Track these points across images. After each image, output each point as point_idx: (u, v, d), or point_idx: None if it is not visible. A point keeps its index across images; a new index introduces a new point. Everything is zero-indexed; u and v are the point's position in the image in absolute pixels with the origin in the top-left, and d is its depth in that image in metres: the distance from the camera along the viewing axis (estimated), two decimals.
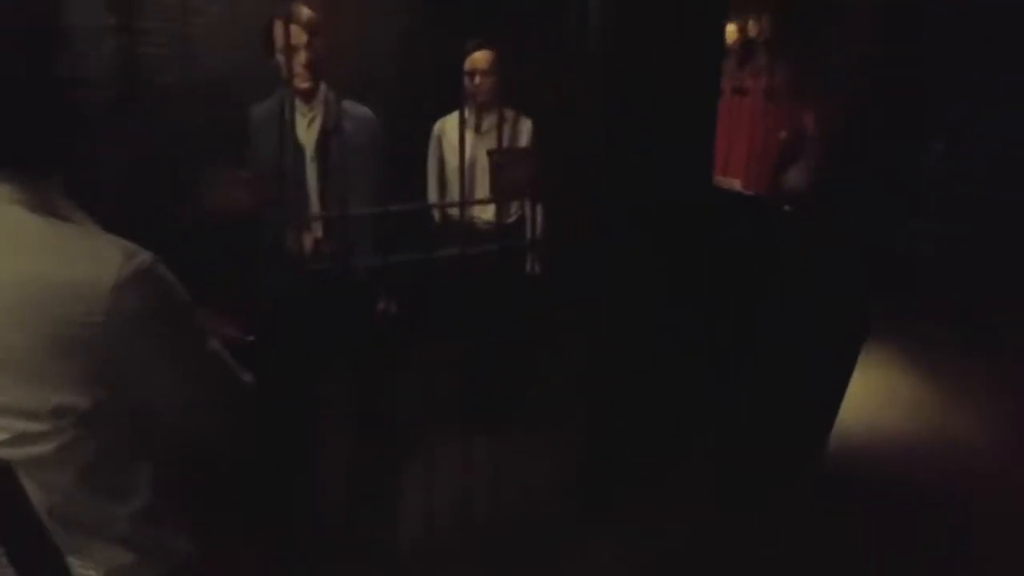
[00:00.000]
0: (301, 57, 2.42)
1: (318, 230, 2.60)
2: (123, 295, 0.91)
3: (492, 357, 3.24)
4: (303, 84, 2.47)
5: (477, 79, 3.08)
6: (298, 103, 2.53)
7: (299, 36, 2.38)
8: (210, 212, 1.99)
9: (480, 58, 3.06)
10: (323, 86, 2.57)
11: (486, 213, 3.19)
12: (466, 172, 2.62)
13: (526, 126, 3.16)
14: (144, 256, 0.95)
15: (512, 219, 3.21)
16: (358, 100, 2.66)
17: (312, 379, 2.64)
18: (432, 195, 3.26)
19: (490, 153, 2.39)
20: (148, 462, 1.07)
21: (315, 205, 2.57)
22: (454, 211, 3.07)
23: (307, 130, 2.54)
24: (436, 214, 3.26)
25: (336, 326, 2.61)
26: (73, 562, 1.03)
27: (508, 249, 2.89)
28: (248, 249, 2.29)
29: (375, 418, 2.88)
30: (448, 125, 3.22)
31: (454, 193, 3.17)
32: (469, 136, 3.17)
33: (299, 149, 2.53)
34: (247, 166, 2.52)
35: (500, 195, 2.40)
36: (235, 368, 1.13)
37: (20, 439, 0.94)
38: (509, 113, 3.19)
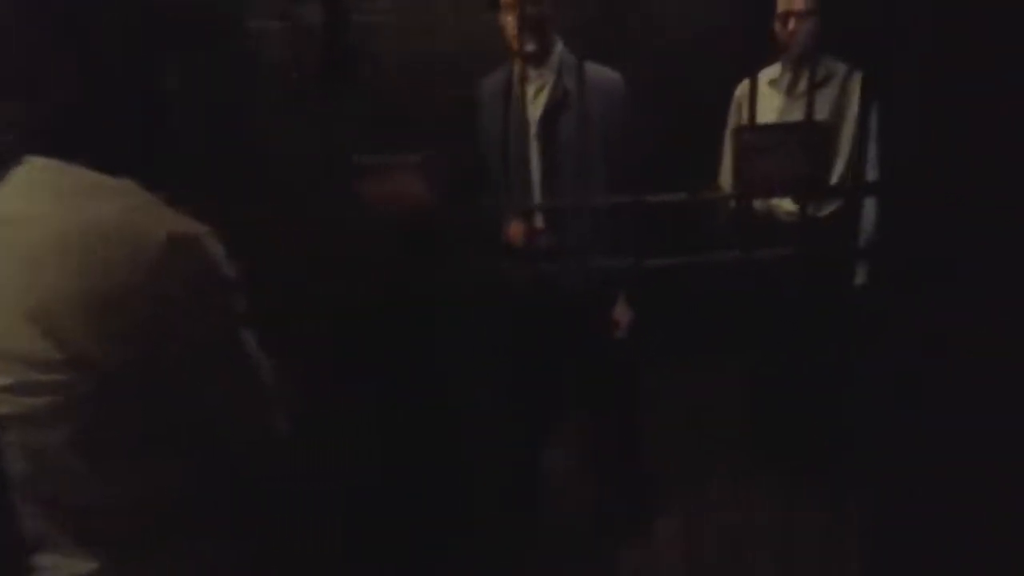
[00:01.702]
0: (524, 13, 1.99)
1: (540, 220, 2.18)
2: (173, 255, 0.88)
3: (783, 388, 2.49)
4: (528, 47, 2.05)
5: (792, 23, 2.31)
6: (527, 71, 2.11)
7: None
8: (369, 207, 1.71)
9: None
10: (559, 48, 2.11)
11: (787, 202, 2.42)
12: None
13: (857, 86, 2.29)
14: (198, 226, 0.92)
15: (826, 212, 2.38)
16: (613, 62, 2.14)
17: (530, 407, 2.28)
18: (727, 178, 2.58)
19: (737, 131, 1.70)
20: (152, 459, 0.94)
21: (537, 192, 2.15)
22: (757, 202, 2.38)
23: (533, 102, 2.12)
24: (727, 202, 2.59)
25: (554, 340, 2.19)
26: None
27: (819, 252, 2.12)
28: (448, 245, 1.98)
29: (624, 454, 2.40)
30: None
31: None
32: (778, 100, 2.43)
33: (524, 125, 2.12)
34: (475, 148, 2.20)
35: (744, 188, 1.70)
36: (269, 373, 0.99)
37: (20, 387, 0.88)
38: (836, 68, 2.35)
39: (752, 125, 1.76)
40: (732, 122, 2.57)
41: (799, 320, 2.32)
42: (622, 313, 2.25)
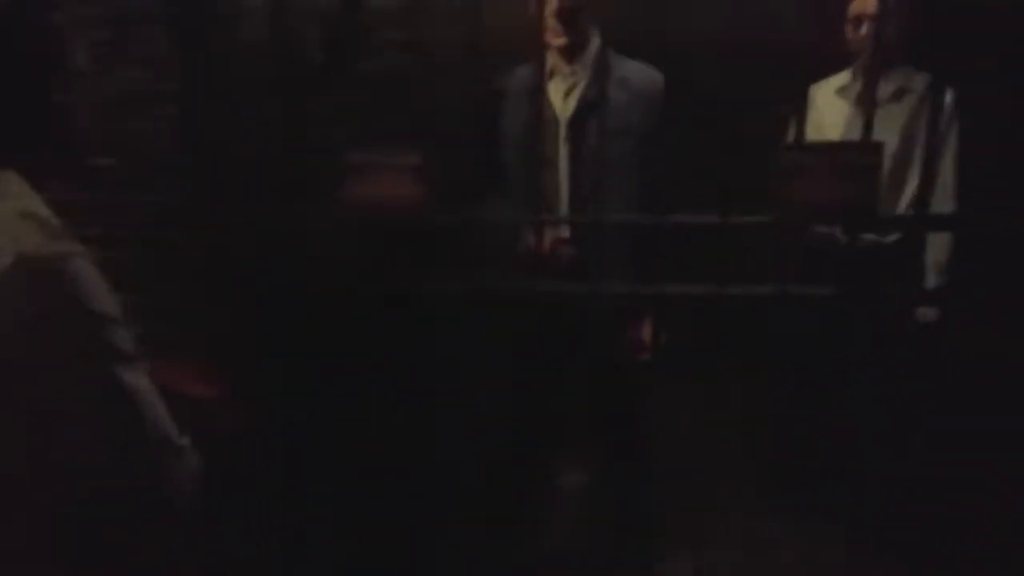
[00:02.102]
0: (552, 2, 1.81)
1: (565, 231, 1.99)
2: (21, 280, 0.76)
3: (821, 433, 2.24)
4: (557, 40, 1.86)
5: (864, 27, 2.05)
6: (559, 66, 1.92)
7: None
8: (347, 211, 1.56)
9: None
10: (596, 42, 1.92)
11: None
12: None
13: (938, 103, 2.01)
14: (67, 246, 0.80)
15: (889, 240, 2.11)
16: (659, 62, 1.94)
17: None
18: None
19: (785, 149, 1.49)
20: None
21: (564, 200, 1.96)
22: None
23: (564, 102, 1.93)
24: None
25: (569, 356, 2.02)
26: None
27: (867, 291, 1.86)
28: (455, 253, 1.82)
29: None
30: (821, 95, 2.24)
31: None
32: (847, 111, 2.17)
33: (552, 126, 1.94)
34: (493, 148, 2.02)
35: (781, 213, 1.49)
36: (154, 420, 0.85)
37: None
38: (916, 81, 2.09)
39: (796, 142, 1.54)
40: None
41: (846, 359, 2.07)
42: (647, 333, 2.05)
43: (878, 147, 1.48)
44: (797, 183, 1.47)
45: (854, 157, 1.48)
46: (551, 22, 1.81)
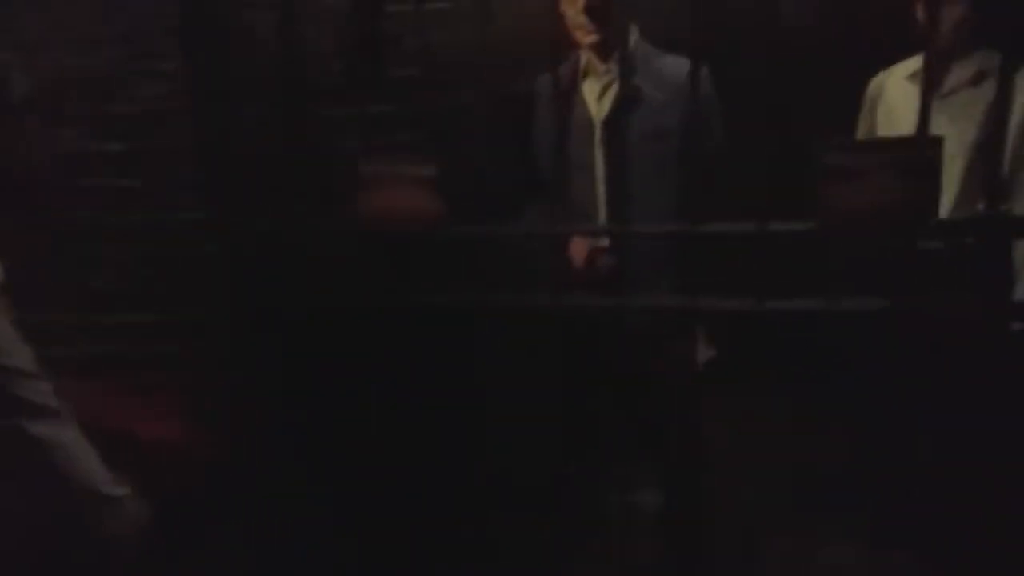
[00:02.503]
0: None
1: (604, 241, 1.88)
2: None
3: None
4: (588, 37, 1.75)
5: (936, 6, 1.84)
6: (593, 64, 1.81)
7: None
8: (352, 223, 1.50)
9: None
10: (633, 38, 1.79)
11: None
12: None
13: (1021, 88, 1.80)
14: None
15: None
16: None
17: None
18: None
19: (824, 153, 1.34)
20: None
21: (600, 206, 1.85)
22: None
23: (598, 103, 1.81)
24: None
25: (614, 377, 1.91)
26: None
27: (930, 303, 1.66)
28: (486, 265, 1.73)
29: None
30: (892, 83, 2.04)
31: None
32: (919, 96, 1.96)
33: (587, 128, 1.83)
34: (530, 155, 1.93)
35: (828, 222, 1.34)
36: (76, 473, 0.80)
37: None
38: (995, 64, 1.86)
39: (844, 141, 1.39)
40: (863, 127, 2.13)
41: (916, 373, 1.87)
42: (701, 352, 1.92)
43: (936, 142, 1.31)
44: (844, 187, 1.32)
45: (909, 155, 1.31)
46: (581, 19, 1.70)
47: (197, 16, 1.49)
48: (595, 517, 2.14)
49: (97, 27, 1.68)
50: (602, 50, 1.77)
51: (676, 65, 1.76)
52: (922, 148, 1.30)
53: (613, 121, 1.79)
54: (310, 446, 1.73)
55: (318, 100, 1.58)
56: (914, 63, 1.98)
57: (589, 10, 1.70)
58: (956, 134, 1.85)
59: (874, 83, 2.06)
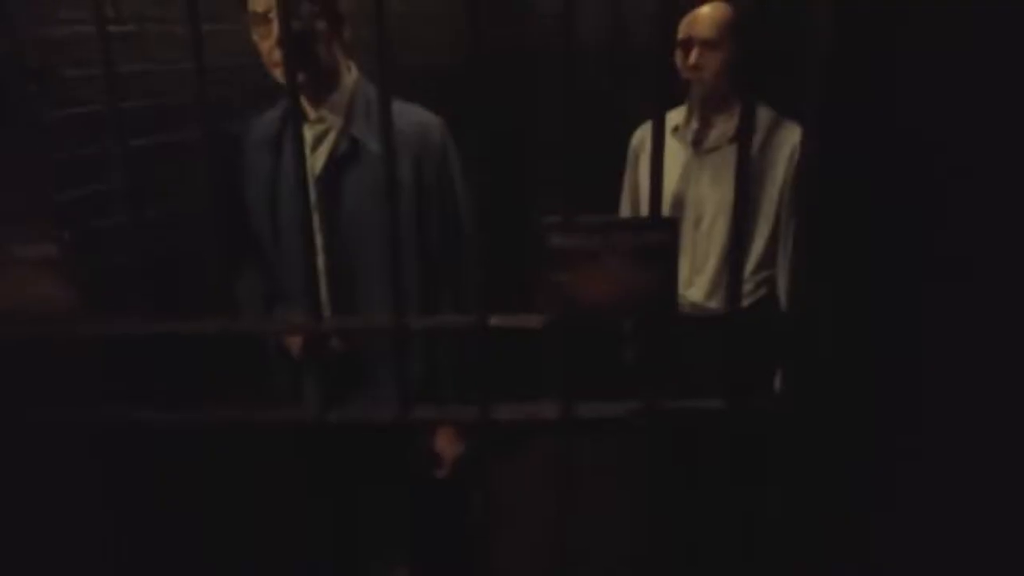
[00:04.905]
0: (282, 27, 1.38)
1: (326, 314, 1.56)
2: None
3: None
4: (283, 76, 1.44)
5: (696, 55, 1.68)
6: (304, 110, 1.50)
7: None
8: None
9: (704, 19, 1.66)
10: (352, 78, 1.50)
11: (692, 290, 1.80)
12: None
13: (790, 139, 1.67)
14: None
15: (750, 301, 1.73)
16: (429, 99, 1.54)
17: None
18: None
19: (545, 234, 1.08)
20: None
21: (322, 279, 1.53)
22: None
23: (311, 155, 1.50)
24: None
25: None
26: None
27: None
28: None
29: None
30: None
31: None
32: (681, 152, 1.80)
33: (301, 185, 1.50)
34: (238, 215, 1.58)
35: (548, 311, 1.09)
36: None
37: None
38: (760, 116, 1.73)
39: (568, 221, 1.14)
40: (628, 182, 1.95)
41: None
42: (446, 445, 1.64)
43: (672, 224, 1.10)
44: (568, 273, 1.08)
45: (638, 238, 1.09)
46: (275, 55, 1.37)
47: None
48: None
49: None
50: (312, 93, 1.46)
51: (405, 111, 1.48)
52: (655, 231, 1.07)
53: (327, 179, 1.48)
54: None
55: None
56: (678, 114, 1.82)
57: (281, 43, 1.38)
58: (719, 193, 1.70)
59: (637, 136, 1.89)
